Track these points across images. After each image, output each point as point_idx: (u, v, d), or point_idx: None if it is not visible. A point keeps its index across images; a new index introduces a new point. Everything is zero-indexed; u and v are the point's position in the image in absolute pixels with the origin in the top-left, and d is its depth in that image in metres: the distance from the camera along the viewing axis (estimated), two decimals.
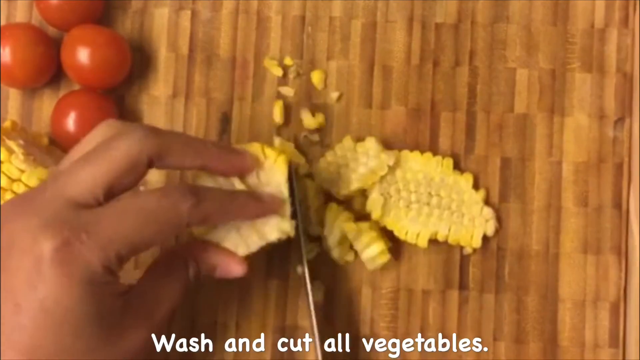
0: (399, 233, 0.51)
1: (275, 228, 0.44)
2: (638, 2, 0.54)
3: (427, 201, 0.51)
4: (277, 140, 0.52)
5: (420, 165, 0.52)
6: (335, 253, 0.51)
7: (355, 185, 0.51)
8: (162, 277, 0.43)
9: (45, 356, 0.36)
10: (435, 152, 0.52)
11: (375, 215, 0.51)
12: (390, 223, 0.51)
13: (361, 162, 0.51)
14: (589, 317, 0.52)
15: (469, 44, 0.54)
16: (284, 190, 0.45)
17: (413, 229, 0.51)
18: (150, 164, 0.40)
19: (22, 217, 0.37)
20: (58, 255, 0.36)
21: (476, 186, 0.52)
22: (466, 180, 0.52)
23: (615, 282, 0.52)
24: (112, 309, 0.38)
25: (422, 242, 0.51)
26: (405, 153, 0.52)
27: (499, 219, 0.52)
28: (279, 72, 0.53)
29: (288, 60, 0.53)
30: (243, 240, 0.44)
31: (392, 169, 0.51)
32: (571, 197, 0.53)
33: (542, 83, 0.54)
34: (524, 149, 0.53)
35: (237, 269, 0.44)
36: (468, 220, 0.51)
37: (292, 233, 0.45)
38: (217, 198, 0.42)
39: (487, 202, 0.52)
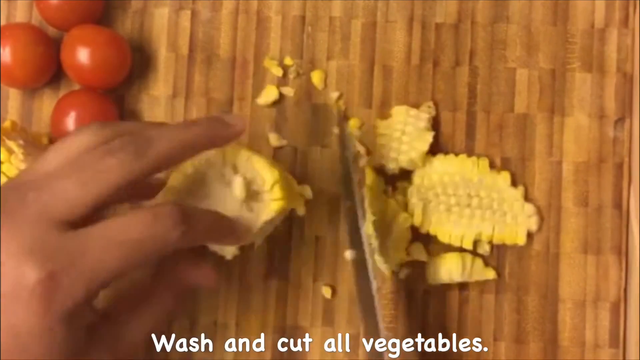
0: (443, 237, 0.51)
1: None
2: (638, 2, 0.54)
3: (468, 203, 0.51)
4: (272, 137, 0.52)
5: (456, 168, 0.52)
6: (387, 257, 0.51)
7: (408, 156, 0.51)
8: (135, 308, 0.41)
9: None
10: (435, 152, 0.52)
11: (416, 221, 0.51)
12: (432, 228, 0.51)
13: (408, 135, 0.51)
14: (589, 317, 0.52)
15: (469, 44, 0.54)
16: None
17: (457, 232, 0.51)
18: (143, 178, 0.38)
19: (3, 228, 0.35)
20: (41, 288, 0.34)
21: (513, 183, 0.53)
22: (504, 178, 0.52)
23: (616, 282, 0.52)
24: (79, 340, 0.37)
25: (468, 245, 0.51)
26: (440, 157, 0.52)
27: None
28: (279, 72, 0.53)
29: (288, 60, 0.53)
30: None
31: (427, 174, 0.51)
32: (571, 197, 0.53)
33: (542, 83, 0.54)
34: (524, 149, 0.53)
35: (208, 281, 0.43)
36: (511, 218, 0.51)
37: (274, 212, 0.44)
38: (207, 223, 0.40)
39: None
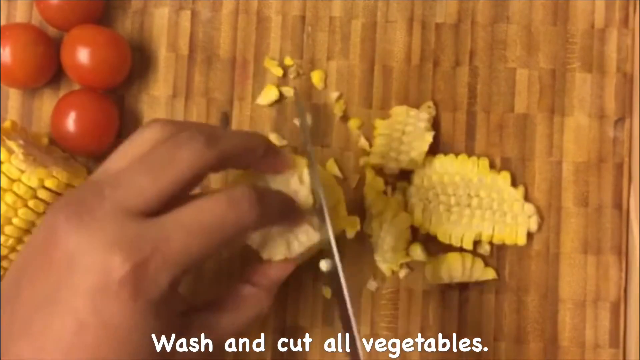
0: (443, 237, 0.51)
1: (305, 236, 0.44)
2: (638, 2, 0.54)
3: (468, 203, 0.51)
4: (272, 137, 0.53)
5: (456, 168, 0.52)
6: (387, 257, 0.51)
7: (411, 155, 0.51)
8: (234, 308, 0.42)
9: None
10: (435, 152, 0.52)
11: (416, 221, 0.51)
12: (432, 228, 0.51)
13: (410, 134, 0.51)
14: (589, 317, 0.52)
15: (469, 44, 0.54)
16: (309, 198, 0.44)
17: (457, 232, 0.51)
18: (212, 171, 0.39)
19: (82, 232, 0.35)
20: (129, 278, 0.35)
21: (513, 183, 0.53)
22: (504, 178, 0.52)
23: (616, 282, 0.52)
24: (170, 329, 0.38)
25: (468, 245, 0.51)
26: (440, 157, 0.52)
27: None
28: (279, 72, 0.53)
29: (288, 60, 0.53)
30: (285, 246, 0.44)
31: (427, 174, 0.51)
32: (571, 197, 0.53)
33: (542, 83, 0.54)
34: (524, 149, 0.53)
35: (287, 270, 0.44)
36: (511, 218, 0.51)
37: (317, 239, 0.44)
38: (278, 204, 0.41)
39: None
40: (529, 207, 0.52)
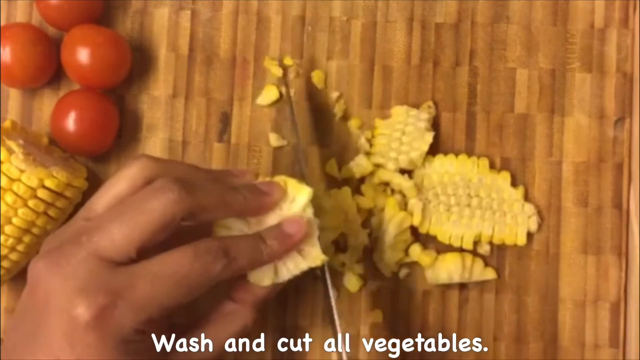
0: (443, 238, 0.51)
1: (308, 258, 0.45)
2: (638, 2, 0.54)
3: (468, 203, 0.51)
4: (272, 136, 0.53)
5: (455, 168, 0.52)
6: (386, 257, 0.51)
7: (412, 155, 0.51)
8: (210, 327, 0.43)
9: None
10: (435, 152, 0.52)
11: (415, 221, 0.51)
12: (432, 228, 0.51)
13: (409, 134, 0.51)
14: (589, 317, 0.52)
15: (469, 44, 0.54)
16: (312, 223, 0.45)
17: (456, 232, 0.51)
18: (182, 221, 0.40)
19: (57, 277, 0.38)
20: (93, 321, 0.37)
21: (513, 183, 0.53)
22: (504, 178, 0.52)
23: (616, 282, 0.52)
24: None
25: (468, 245, 0.51)
26: (440, 157, 0.52)
27: None
28: (279, 72, 0.53)
29: (288, 60, 0.53)
30: (273, 272, 0.45)
31: (427, 174, 0.51)
32: (571, 197, 0.53)
33: (542, 83, 0.54)
34: (524, 149, 0.53)
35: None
36: (511, 219, 0.51)
37: (320, 262, 0.45)
38: (247, 253, 0.42)
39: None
40: (529, 207, 0.52)
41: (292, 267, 0.45)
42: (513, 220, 0.52)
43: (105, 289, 0.38)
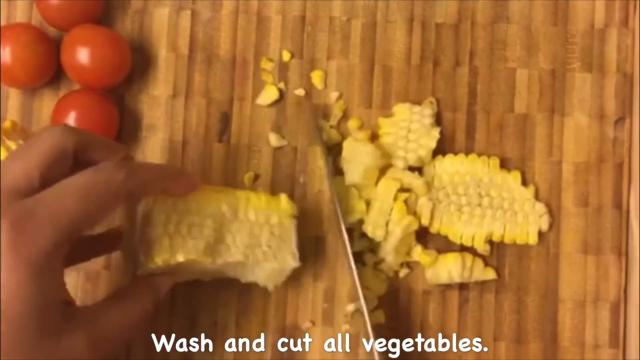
0: (454, 237, 0.51)
1: (280, 259, 0.47)
2: (638, 2, 0.54)
3: (478, 202, 0.51)
4: (272, 136, 0.53)
5: (466, 168, 0.51)
6: (389, 259, 0.51)
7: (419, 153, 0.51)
8: (119, 301, 0.43)
9: None
10: (435, 152, 0.52)
11: (424, 221, 0.51)
12: (443, 228, 0.51)
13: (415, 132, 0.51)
14: (589, 317, 0.52)
15: (469, 44, 0.54)
16: (293, 245, 0.48)
17: (468, 232, 0.51)
18: (75, 155, 0.41)
19: None
20: (9, 236, 0.36)
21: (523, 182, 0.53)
22: (514, 177, 0.52)
23: (616, 282, 0.52)
24: (54, 306, 0.38)
25: (479, 245, 0.51)
26: (450, 156, 0.52)
27: None
28: (269, 78, 0.53)
29: (286, 55, 0.53)
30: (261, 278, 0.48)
31: (438, 174, 0.51)
32: (571, 197, 0.53)
33: (542, 83, 0.54)
34: (524, 149, 0.53)
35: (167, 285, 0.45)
36: (522, 218, 0.51)
37: (295, 265, 0.48)
38: (150, 168, 0.44)
39: None
40: (540, 206, 0.52)
41: (266, 266, 0.47)
42: (524, 219, 0.51)
43: (17, 207, 0.37)
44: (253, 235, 0.47)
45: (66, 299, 0.40)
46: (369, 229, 0.51)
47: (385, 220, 0.50)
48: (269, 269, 0.48)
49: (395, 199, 0.50)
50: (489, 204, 0.51)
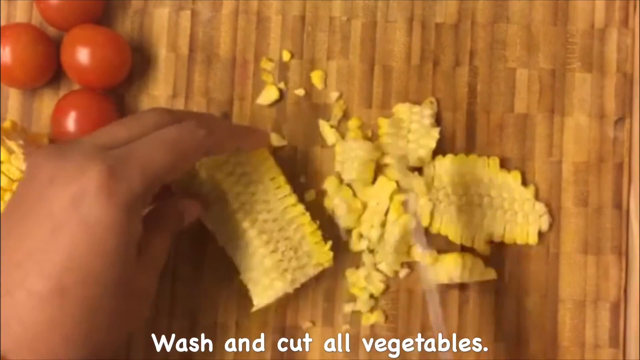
0: (454, 238, 0.51)
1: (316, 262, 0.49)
2: (638, 2, 0.54)
3: (479, 203, 0.51)
4: (272, 136, 0.53)
5: (466, 168, 0.51)
6: (389, 259, 0.51)
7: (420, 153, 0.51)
8: (155, 227, 0.45)
9: (73, 282, 0.38)
10: (435, 152, 0.52)
11: (424, 221, 0.51)
12: (443, 229, 0.51)
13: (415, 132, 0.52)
14: (589, 317, 0.52)
15: (469, 44, 0.54)
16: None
17: (468, 232, 0.51)
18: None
19: (62, 158, 0.40)
20: (106, 179, 0.39)
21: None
22: (514, 177, 0.52)
23: (616, 282, 0.52)
24: (134, 242, 0.41)
25: (479, 245, 0.51)
26: (450, 157, 0.52)
27: None
28: (269, 78, 0.53)
29: (286, 55, 0.53)
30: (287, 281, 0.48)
31: (438, 174, 0.51)
32: (571, 197, 0.53)
33: (542, 83, 0.54)
34: (524, 149, 0.53)
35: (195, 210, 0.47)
36: (522, 218, 0.51)
37: (330, 264, 0.49)
38: (226, 127, 0.48)
39: None
40: (540, 206, 0.52)
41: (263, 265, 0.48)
42: (524, 219, 0.51)
43: (110, 155, 0.40)
44: (279, 229, 0.48)
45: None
46: (364, 228, 0.51)
47: (381, 221, 0.50)
48: (263, 270, 0.47)
49: (391, 198, 0.50)
50: (489, 204, 0.51)
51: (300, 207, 0.49)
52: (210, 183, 0.48)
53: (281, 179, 0.49)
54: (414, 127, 0.51)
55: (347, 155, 0.51)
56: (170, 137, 0.42)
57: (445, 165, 0.51)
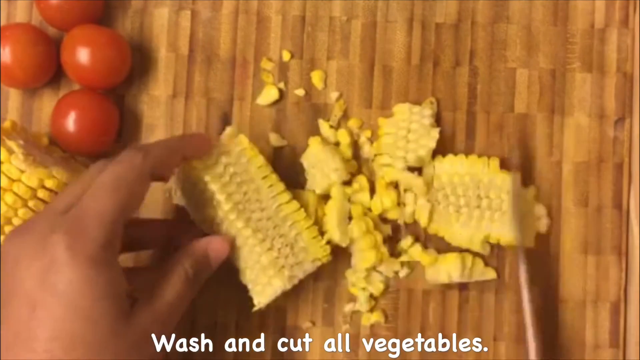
0: (451, 239, 0.51)
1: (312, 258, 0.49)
2: (638, 2, 0.54)
3: (477, 204, 0.51)
4: (273, 136, 0.53)
5: (466, 168, 0.51)
6: (366, 277, 0.51)
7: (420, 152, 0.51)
8: (162, 274, 0.44)
9: (61, 349, 0.38)
10: (435, 152, 0.52)
11: (423, 222, 0.51)
12: (441, 230, 0.51)
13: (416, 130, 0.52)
14: (589, 317, 0.52)
15: (469, 44, 0.54)
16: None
17: (465, 234, 0.51)
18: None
19: (23, 237, 0.41)
20: (66, 243, 0.39)
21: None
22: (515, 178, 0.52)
23: (616, 282, 0.52)
24: (119, 291, 0.40)
25: (476, 247, 0.51)
26: (450, 157, 0.51)
27: None
28: (269, 78, 0.53)
29: (286, 55, 0.53)
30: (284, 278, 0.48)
31: (437, 175, 0.51)
32: (571, 197, 0.53)
33: (542, 83, 0.54)
34: (524, 149, 0.53)
35: (223, 248, 0.47)
36: None
37: (328, 259, 0.49)
38: (162, 144, 0.47)
39: None
40: (540, 208, 0.52)
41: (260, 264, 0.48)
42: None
43: (66, 221, 0.40)
44: (274, 227, 0.48)
45: (127, 287, 0.43)
46: (335, 236, 0.50)
47: (346, 225, 0.50)
48: (261, 268, 0.47)
49: (350, 200, 0.51)
50: (487, 206, 0.51)
51: (295, 204, 0.49)
52: (203, 186, 0.48)
53: (273, 177, 0.49)
54: (413, 127, 0.51)
55: (319, 163, 0.51)
56: (109, 177, 0.42)
57: (444, 166, 0.51)
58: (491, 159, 0.52)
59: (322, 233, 0.50)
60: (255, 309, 0.48)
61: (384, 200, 0.51)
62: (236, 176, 0.48)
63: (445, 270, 0.51)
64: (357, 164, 0.52)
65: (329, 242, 0.50)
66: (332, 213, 0.50)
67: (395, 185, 0.52)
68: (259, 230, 0.48)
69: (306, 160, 0.51)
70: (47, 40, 0.52)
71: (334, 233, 0.50)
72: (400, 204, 0.51)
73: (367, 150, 0.53)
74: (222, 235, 0.47)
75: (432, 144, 0.51)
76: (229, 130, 0.49)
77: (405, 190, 0.51)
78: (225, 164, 0.48)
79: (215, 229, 0.48)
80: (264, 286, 0.48)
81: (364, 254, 0.50)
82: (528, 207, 0.51)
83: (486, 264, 0.52)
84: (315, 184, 0.51)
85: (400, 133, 0.51)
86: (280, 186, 0.49)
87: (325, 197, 0.51)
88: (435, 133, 0.51)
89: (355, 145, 0.53)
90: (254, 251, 0.47)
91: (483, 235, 0.50)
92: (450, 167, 0.51)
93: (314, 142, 0.51)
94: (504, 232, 0.51)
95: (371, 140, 0.53)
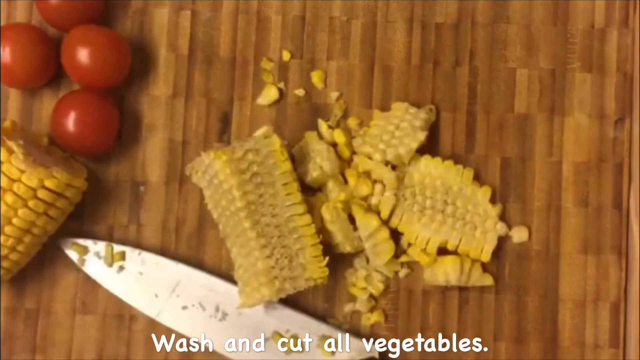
0: (409, 237, 0.51)
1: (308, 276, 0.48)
2: (638, 2, 0.54)
3: (442, 209, 0.51)
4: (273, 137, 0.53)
5: (439, 172, 0.51)
6: (374, 261, 0.51)
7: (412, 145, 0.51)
8: None
9: None
10: (435, 152, 0.52)
11: (383, 214, 0.51)
12: (401, 225, 0.51)
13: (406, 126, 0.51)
14: (589, 317, 0.52)
15: (469, 44, 0.54)
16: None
17: (424, 234, 0.50)
18: None
19: None
20: None
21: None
22: (484, 193, 0.52)
23: (616, 282, 0.52)
24: None
25: (431, 249, 0.51)
26: (426, 157, 0.51)
27: (500, 219, 0.52)
28: (269, 78, 0.53)
29: (286, 55, 0.53)
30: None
31: (410, 172, 0.51)
32: (571, 197, 0.53)
33: (542, 83, 0.54)
34: (524, 149, 0.53)
35: None
36: (480, 234, 0.51)
37: (324, 281, 0.49)
38: None
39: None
40: (502, 226, 0.52)
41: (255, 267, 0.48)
42: (482, 235, 0.51)
43: None
44: (279, 236, 0.48)
45: None
46: (347, 247, 0.50)
47: (352, 231, 0.50)
48: (254, 272, 0.48)
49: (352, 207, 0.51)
50: (451, 213, 0.51)
51: (307, 218, 0.48)
52: (223, 177, 0.48)
53: (294, 186, 0.48)
54: (402, 126, 0.51)
55: (311, 152, 0.51)
56: None
57: (419, 165, 0.51)
58: (466, 169, 0.52)
59: (321, 233, 0.50)
60: (238, 307, 0.48)
61: (358, 188, 0.51)
62: (257, 176, 0.48)
63: (443, 272, 0.50)
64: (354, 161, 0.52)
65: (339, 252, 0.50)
66: (334, 228, 0.50)
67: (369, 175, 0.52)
68: (264, 236, 0.47)
69: (298, 151, 0.51)
70: (47, 40, 0.52)
71: (345, 245, 0.50)
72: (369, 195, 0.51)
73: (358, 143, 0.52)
74: None
75: (414, 145, 0.50)
76: (264, 129, 0.49)
77: (375, 181, 0.51)
78: (251, 161, 0.48)
79: (224, 220, 0.48)
80: (252, 290, 0.48)
81: (382, 247, 0.50)
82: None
83: (486, 264, 0.52)
84: (304, 173, 0.50)
85: (388, 128, 0.51)
86: (298, 197, 0.48)
87: (312, 189, 0.51)
88: (421, 136, 0.51)
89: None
90: (252, 254, 0.47)
91: (440, 241, 0.50)
92: (424, 167, 0.51)
93: (310, 135, 0.51)
94: (465, 241, 0.50)
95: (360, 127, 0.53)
